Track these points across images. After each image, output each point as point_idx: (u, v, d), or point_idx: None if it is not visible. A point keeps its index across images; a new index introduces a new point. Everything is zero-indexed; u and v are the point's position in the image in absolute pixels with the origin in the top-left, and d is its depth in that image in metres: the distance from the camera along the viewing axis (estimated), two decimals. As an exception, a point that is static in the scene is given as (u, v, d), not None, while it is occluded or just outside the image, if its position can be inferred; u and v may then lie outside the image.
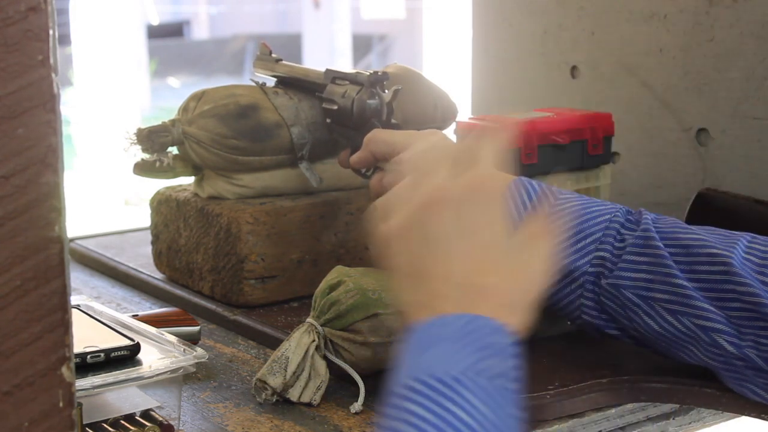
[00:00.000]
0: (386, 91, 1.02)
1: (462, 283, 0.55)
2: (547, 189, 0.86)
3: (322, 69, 1.08)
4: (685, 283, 0.78)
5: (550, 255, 0.59)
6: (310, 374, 0.84)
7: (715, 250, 0.77)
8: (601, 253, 0.82)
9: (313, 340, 0.85)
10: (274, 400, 0.84)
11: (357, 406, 0.84)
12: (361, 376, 0.85)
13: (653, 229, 0.81)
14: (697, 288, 0.78)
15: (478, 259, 0.55)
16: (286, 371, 0.83)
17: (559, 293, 0.85)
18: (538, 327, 0.75)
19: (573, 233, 0.83)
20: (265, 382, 0.83)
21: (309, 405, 0.85)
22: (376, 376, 0.86)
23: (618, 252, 0.81)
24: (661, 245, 0.80)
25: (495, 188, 0.59)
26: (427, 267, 0.56)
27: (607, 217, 0.83)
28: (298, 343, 0.84)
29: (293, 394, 0.83)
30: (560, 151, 1.06)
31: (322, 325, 0.86)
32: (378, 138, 0.95)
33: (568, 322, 0.88)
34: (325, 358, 0.85)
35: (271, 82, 1.14)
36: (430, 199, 0.58)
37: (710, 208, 1.11)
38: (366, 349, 0.85)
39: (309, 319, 0.87)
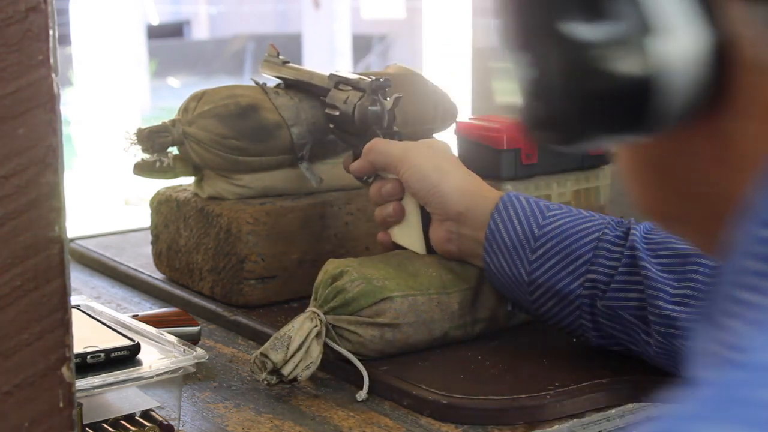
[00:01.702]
0: (388, 98, 1.02)
1: None
2: (535, 206, 0.86)
3: (327, 72, 1.08)
4: (669, 306, 0.77)
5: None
6: (304, 355, 0.86)
7: (714, 261, 0.76)
8: (593, 276, 0.81)
9: (315, 326, 0.87)
10: (273, 380, 0.85)
11: (362, 394, 0.85)
12: (363, 364, 0.87)
13: (640, 245, 0.79)
14: (696, 298, 0.77)
15: None
16: (288, 348, 0.85)
17: (557, 315, 0.85)
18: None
19: (562, 256, 0.83)
20: (266, 356, 0.84)
21: (309, 405, 0.85)
22: (376, 368, 0.86)
23: (610, 272, 0.81)
24: (648, 264, 0.78)
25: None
26: None
27: (596, 235, 0.82)
28: (301, 326, 0.86)
29: (286, 369, 0.85)
30: (560, 151, 1.06)
31: (325, 313, 0.88)
32: (376, 148, 0.96)
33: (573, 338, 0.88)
34: (325, 345, 0.88)
35: (276, 83, 1.14)
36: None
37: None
38: (374, 329, 0.88)
39: (311, 308, 0.88)
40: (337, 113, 1.04)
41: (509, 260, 0.85)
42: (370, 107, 1.01)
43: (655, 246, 0.80)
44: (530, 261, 0.84)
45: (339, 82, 1.05)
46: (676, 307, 0.77)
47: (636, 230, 0.81)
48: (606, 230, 0.82)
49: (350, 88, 1.04)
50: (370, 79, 1.02)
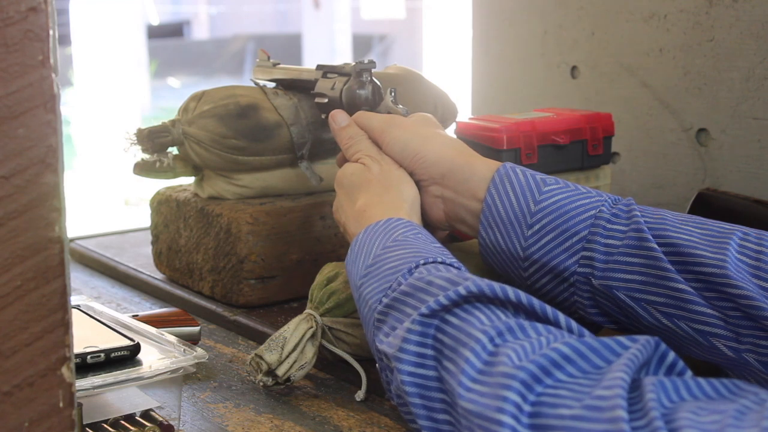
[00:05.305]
0: (374, 79, 1.02)
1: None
2: (531, 180, 0.85)
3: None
4: (682, 286, 0.77)
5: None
6: (298, 356, 0.86)
7: (706, 254, 0.76)
8: (589, 253, 0.81)
9: (311, 327, 0.87)
10: (269, 381, 0.86)
11: (361, 394, 0.86)
12: (362, 364, 0.88)
13: (646, 227, 0.79)
14: (694, 288, 0.77)
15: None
16: (282, 350, 0.85)
17: (552, 291, 0.84)
18: None
19: (558, 232, 0.82)
20: (261, 357, 0.85)
21: (309, 405, 0.85)
22: (376, 368, 0.86)
23: (608, 250, 0.80)
24: (656, 245, 0.78)
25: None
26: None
27: (592, 212, 0.82)
28: (296, 327, 0.87)
29: (280, 370, 0.85)
30: (560, 151, 1.06)
31: (321, 315, 0.88)
32: (357, 122, 0.95)
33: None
34: (321, 346, 0.88)
35: (271, 86, 1.15)
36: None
37: (710, 208, 1.11)
38: None
39: (307, 310, 0.89)
40: (326, 100, 1.04)
41: (505, 235, 0.85)
42: (357, 90, 1.01)
43: (653, 234, 0.79)
44: (526, 237, 0.83)
45: (326, 71, 1.06)
46: (687, 285, 0.76)
47: (637, 212, 0.81)
48: (602, 208, 0.82)
49: (336, 75, 1.04)
50: (353, 63, 1.02)
